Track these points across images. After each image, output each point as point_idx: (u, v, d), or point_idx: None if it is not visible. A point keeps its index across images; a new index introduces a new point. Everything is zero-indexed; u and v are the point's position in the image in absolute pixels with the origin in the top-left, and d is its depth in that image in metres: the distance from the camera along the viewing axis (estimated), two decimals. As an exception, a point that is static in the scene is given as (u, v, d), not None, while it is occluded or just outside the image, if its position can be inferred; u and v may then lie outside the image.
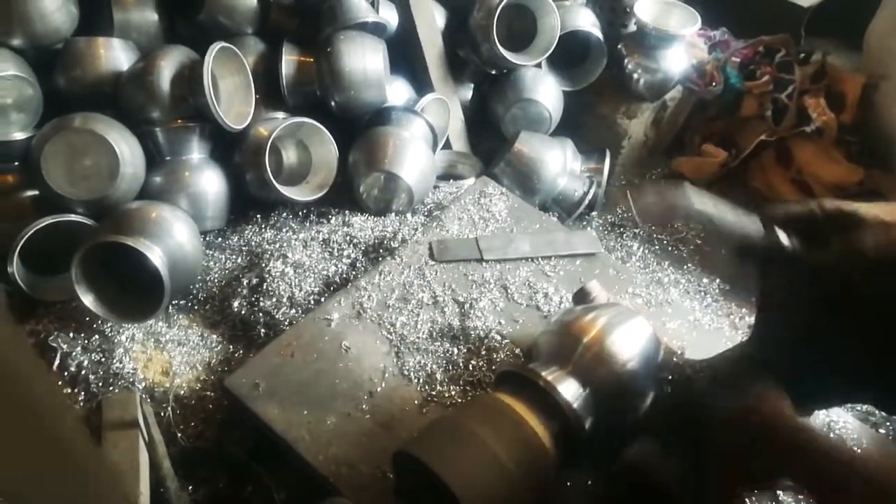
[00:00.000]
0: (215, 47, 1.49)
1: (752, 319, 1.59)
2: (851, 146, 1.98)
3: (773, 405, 0.85)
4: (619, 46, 2.01)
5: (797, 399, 0.92)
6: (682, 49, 1.98)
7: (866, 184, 1.93)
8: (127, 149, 1.43)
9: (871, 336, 0.78)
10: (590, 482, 1.07)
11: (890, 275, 0.76)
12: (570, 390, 0.96)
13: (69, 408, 0.93)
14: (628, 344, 1.03)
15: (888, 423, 1.33)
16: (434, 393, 1.20)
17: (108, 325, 1.34)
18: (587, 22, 1.96)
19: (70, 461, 0.57)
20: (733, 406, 0.92)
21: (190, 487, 1.15)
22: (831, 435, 1.08)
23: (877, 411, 1.35)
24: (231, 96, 1.63)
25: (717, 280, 1.75)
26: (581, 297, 1.22)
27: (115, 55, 1.57)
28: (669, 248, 1.88)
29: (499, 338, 1.30)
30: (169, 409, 1.23)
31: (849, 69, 2.09)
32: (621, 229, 1.92)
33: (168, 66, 1.52)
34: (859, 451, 0.83)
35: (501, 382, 1.05)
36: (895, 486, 0.74)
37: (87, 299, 1.29)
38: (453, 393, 1.19)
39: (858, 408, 1.35)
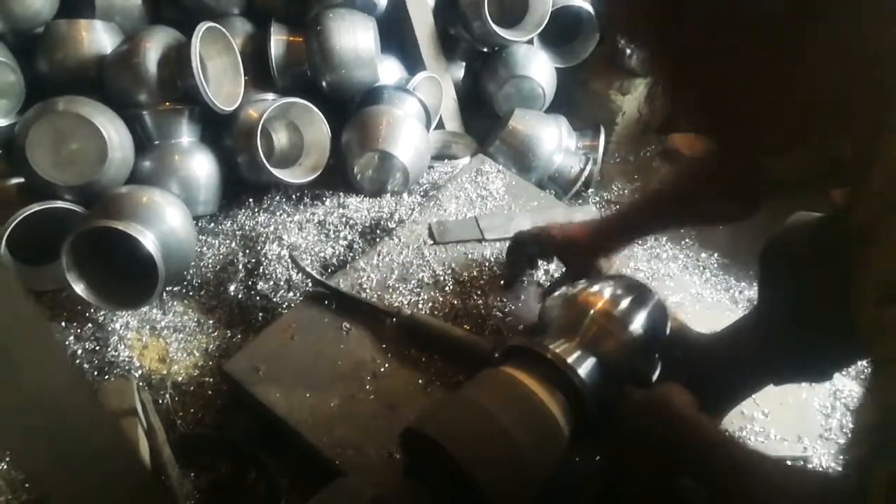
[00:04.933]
0: (202, 27, 1.45)
1: (751, 293, 1.59)
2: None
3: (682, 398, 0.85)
4: (612, 21, 1.98)
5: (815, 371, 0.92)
6: (676, 22, 1.96)
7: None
8: (114, 132, 1.40)
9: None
10: (598, 457, 1.06)
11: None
12: (578, 363, 0.95)
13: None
14: (636, 315, 1.01)
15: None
16: (438, 372, 1.18)
17: (102, 313, 1.31)
18: (579, -3, 1.93)
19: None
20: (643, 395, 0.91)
21: (192, 475, 1.12)
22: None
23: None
24: (219, 78, 1.60)
25: (716, 255, 1.74)
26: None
27: (98, 38, 1.53)
28: (667, 224, 1.86)
29: (500, 315, 1.28)
30: (167, 395, 1.20)
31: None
32: (617, 206, 1.90)
33: (154, 47, 1.48)
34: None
35: (508, 357, 1.03)
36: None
37: (79, 287, 1.26)
38: (457, 371, 1.17)
39: (863, 377, 1.35)
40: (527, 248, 1.30)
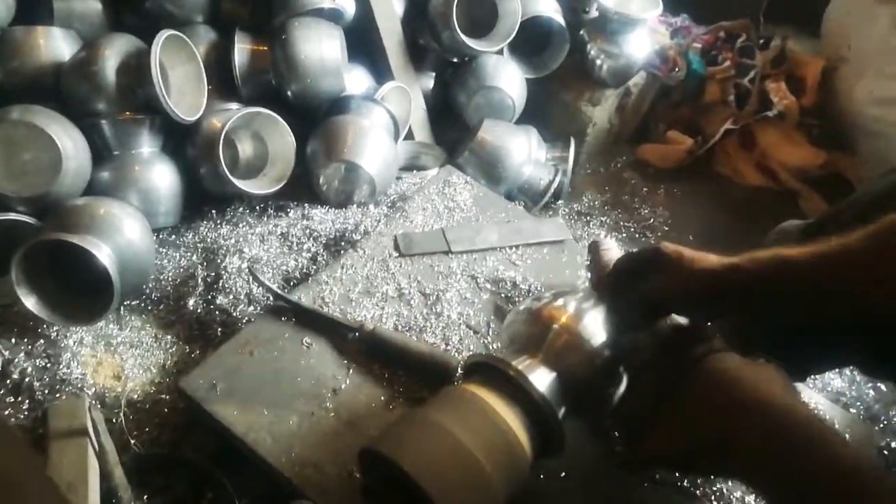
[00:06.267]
0: (163, 35, 1.42)
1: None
2: (813, 129, 1.99)
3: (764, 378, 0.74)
4: (582, 32, 1.98)
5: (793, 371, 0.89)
6: (645, 34, 1.96)
7: (828, 166, 1.94)
8: (70, 142, 1.36)
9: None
10: (563, 474, 1.05)
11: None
12: (541, 379, 0.93)
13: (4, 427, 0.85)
14: (599, 329, 1.00)
15: (858, 403, 1.33)
16: (401, 389, 1.15)
17: (54, 328, 1.26)
18: (549, 8, 1.93)
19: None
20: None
21: (145, 497, 1.08)
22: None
23: (847, 391, 1.35)
24: (182, 87, 1.56)
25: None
26: (594, 252, 1.19)
27: (56, 45, 1.48)
28: (637, 236, 1.86)
29: (466, 328, 1.26)
30: (121, 414, 1.16)
31: (808, 53, 2.10)
32: (587, 217, 1.90)
33: (113, 54, 1.44)
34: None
35: (471, 373, 1.00)
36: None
37: (30, 302, 1.22)
38: (421, 387, 1.15)
39: (829, 388, 1.35)
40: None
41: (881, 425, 1.29)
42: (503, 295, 1.33)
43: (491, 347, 1.24)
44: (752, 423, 0.72)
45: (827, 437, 0.67)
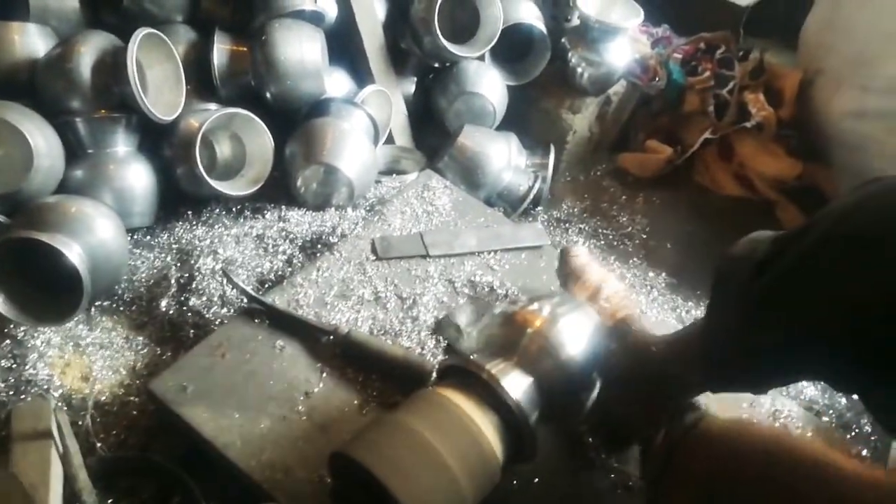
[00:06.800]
0: (140, 33, 1.41)
1: (698, 313, 1.59)
2: (790, 140, 2.00)
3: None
4: (563, 40, 1.99)
5: (753, 380, 0.90)
6: (626, 42, 1.97)
7: (805, 178, 1.96)
8: (42, 139, 1.33)
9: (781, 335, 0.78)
10: (536, 480, 1.04)
11: None
12: (514, 383, 0.92)
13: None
14: (574, 334, 0.99)
15: (831, 412, 1.34)
16: (375, 393, 1.14)
17: (21, 328, 1.24)
18: (530, 15, 1.93)
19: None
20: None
21: (110, 501, 1.06)
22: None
23: (820, 399, 1.35)
24: (159, 86, 1.54)
25: (663, 274, 1.75)
26: (563, 259, 1.19)
27: (31, 41, 1.46)
28: (615, 243, 1.87)
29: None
30: (88, 416, 1.14)
31: (786, 66, 2.12)
32: (566, 224, 1.90)
33: (89, 52, 1.42)
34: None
35: (444, 377, 1.00)
36: None
37: (-3, 301, 1.20)
38: (395, 392, 1.14)
39: (802, 396, 1.36)
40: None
41: (853, 433, 1.29)
42: (481, 299, 1.33)
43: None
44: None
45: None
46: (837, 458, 0.71)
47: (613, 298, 1.14)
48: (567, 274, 1.19)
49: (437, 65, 1.97)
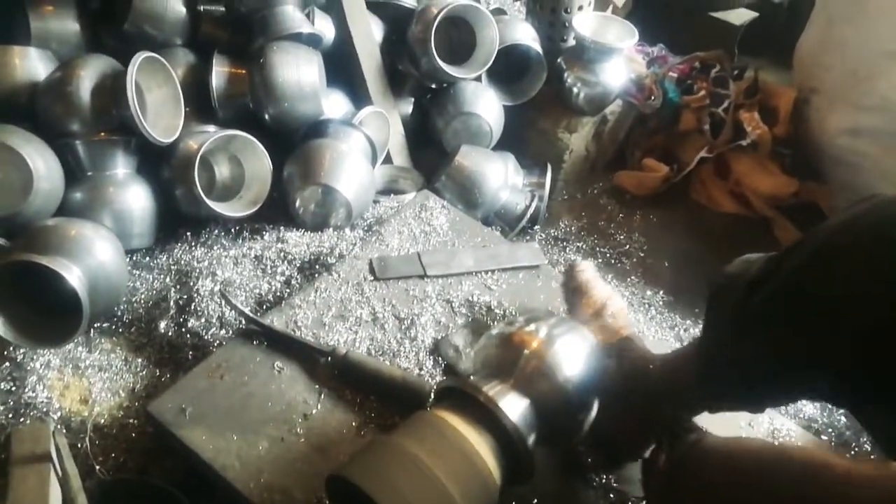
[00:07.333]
0: (140, 56, 1.42)
1: (696, 331, 1.60)
2: (785, 158, 2.02)
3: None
4: (559, 61, 2.01)
5: (747, 398, 0.90)
6: (622, 62, 1.99)
7: (801, 195, 1.97)
8: (42, 162, 1.35)
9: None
10: (535, 501, 1.04)
11: None
12: (511, 405, 0.92)
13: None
14: (571, 356, 1.00)
15: (830, 430, 1.34)
16: (373, 414, 1.14)
17: (21, 350, 1.24)
18: (527, 36, 1.96)
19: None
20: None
21: (108, 524, 1.06)
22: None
23: (819, 418, 1.35)
24: (158, 109, 1.56)
25: (661, 292, 1.75)
26: (570, 274, 1.19)
27: (32, 65, 1.48)
28: (612, 262, 1.87)
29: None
30: (87, 439, 1.14)
31: (781, 84, 2.14)
32: (564, 243, 1.91)
33: (89, 75, 1.44)
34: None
35: (441, 398, 1.00)
36: None
37: (-4, 323, 1.20)
38: (393, 413, 1.14)
39: (801, 415, 1.36)
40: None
41: (853, 452, 1.29)
42: (478, 320, 1.33)
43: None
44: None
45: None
46: (829, 459, 0.72)
47: (619, 315, 1.15)
48: (573, 288, 1.19)
49: (434, 85, 1.98)
